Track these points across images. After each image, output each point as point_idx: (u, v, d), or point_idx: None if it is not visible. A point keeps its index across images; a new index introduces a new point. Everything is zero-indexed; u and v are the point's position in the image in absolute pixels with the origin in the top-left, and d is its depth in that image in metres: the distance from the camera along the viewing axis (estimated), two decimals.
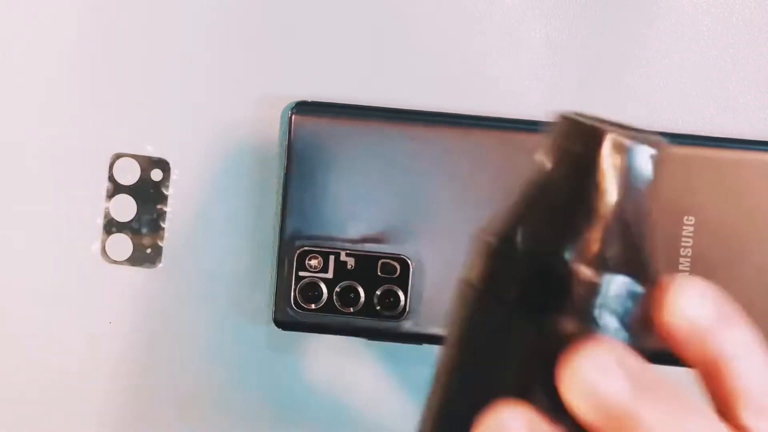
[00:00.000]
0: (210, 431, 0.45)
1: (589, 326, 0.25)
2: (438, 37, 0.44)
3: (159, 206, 0.44)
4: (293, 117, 0.43)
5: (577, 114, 0.27)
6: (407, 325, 0.43)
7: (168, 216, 0.44)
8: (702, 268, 0.43)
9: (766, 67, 0.44)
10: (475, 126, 0.43)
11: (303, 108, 0.43)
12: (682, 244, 0.43)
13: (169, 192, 0.44)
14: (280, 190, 0.43)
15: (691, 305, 0.26)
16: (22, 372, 0.45)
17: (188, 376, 0.45)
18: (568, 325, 0.25)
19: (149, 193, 0.44)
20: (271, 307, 0.43)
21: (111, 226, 0.44)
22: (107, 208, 0.44)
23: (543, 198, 0.27)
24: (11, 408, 0.45)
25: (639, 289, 0.26)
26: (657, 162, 0.26)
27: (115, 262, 0.44)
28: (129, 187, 0.44)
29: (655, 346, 0.27)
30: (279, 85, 0.44)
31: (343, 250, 0.43)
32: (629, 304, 0.26)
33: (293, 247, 0.43)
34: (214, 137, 0.44)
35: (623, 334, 0.26)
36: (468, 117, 0.43)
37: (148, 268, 0.44)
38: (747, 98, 0.44)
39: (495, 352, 0.27)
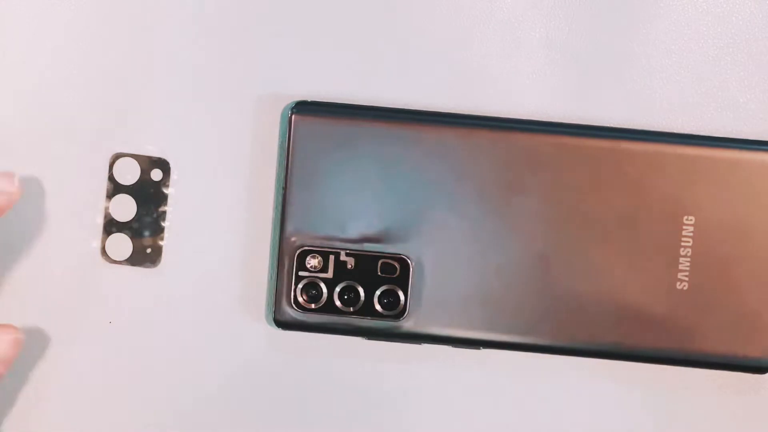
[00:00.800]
0: (210, 431, 0.45)
1: None
2: (438, 37, 0.44)
3: (159, 206, 0.44)
4: (293, 117, 0.43)
5: None
6: (407, 325, 0.43)
7: (168, 216, 0.44)
8: (702, 268, 0.43)
9: (766, 67, 0.44)
10: (474, 126, 0.43)
11: (303, 108, 0.43)
12: (682, 244, 0.43)
13: (169, 192, 0.44)
14: (280, 190, 0.43)
15: None
16: (21, 371, 0.45)
17: (188, 376, 0.45)
18: None
19: (149, 193, 0.44)
20: (271, 307, 0.44)
21: (111, 226, 0.44)
22: (107, 208, 0.44)
23: None
24: (10, 407, 0.45)
25: None
26: None
27: (115, 262, 0.44)
28: (129, 187, 0.44)
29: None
30: (279, 85, 0.44)
31: (343, 249, 0.43)
32: None
33: (293, 246, 0.43)
34: (214, 137, 0.44)
35: None
36: (468, 117, 0.43)
37: (148, 268, 0.44)
38: (747, 98, 0.44)
39: None
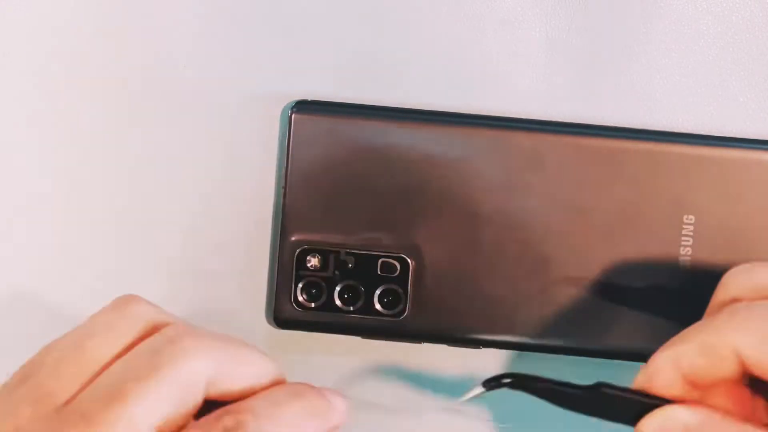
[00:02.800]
0: None
1: None
2: (437, 35, 0.44)
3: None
4: (293, 116, 0.43)
5: None
6: (407, 324, 0.43)
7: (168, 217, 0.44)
8: (702, 268, 0.43)
9: (766, 66, 0.44)
10: (475, 125, 0.43)
11: (303, 107, 0.43)
12: (682, 243, 0.43)
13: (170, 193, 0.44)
14: (280, 190, 0.43)
15: None
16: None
17: None
18: None
19: None
20: (271, 306, 0.44)
21: None
22: None
23: None
24: None
25: None
26: None
27: None
28: None
29: None
30: (279, 84, 0.44)
31: (343, 248, 0.43)
32: None
33: (293, 245, 0.43)
34: (213, 137, 0.44)
35: None
36: (468, 116, 0.43)
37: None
38: (747, 97, 0.44)
39: None
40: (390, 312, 0.43)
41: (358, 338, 0.44)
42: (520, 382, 0.34)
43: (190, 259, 0.44)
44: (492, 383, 0.35)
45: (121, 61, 0.44)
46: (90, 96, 0.44)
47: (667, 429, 0.31)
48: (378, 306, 0.43)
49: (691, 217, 0.43)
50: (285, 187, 0.43)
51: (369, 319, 0.43)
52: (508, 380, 0.35)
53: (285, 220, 0.43)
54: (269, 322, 0.44)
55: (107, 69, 0.44)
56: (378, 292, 0.43)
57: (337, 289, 0.43)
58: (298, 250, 0.43)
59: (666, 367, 0.32)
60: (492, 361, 0.44)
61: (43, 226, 0.44)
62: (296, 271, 0.43)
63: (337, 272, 0.43)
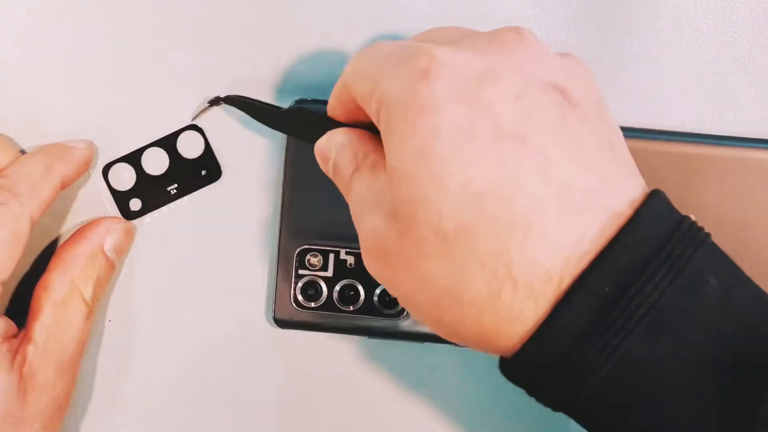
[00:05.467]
0: (210, 430, 0.45)
1: None
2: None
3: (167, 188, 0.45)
4: None
5: None
6: (407, 323, 0.43)
7: (169, 215, 0.45)
8: None
9: (766, 66, 0.44)
10: None
11: (303, 106, 0.43)
12: None
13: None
14: (281, 189, 0.43)
15: None
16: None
17: (188, 375, 0.45)
18: None
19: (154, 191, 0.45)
20: (272, 306, 0.44)
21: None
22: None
23: None
24: None
25: None
26: None
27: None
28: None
29: None
30: (279, 83, 0.44)
31: (344, 248, 0.43)
32: None
33: (293, 245, 0.43)
34: (213, 137, 0.44)
35: None
36: None
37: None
38: (747, 96, 0.44)
39: None
40: (390, 311, 0.43)
41: (358, 337, 0.44)
42: (233, 100, 0.42)
43: (191, 259, 0.45)
44: (213, 101, 0.43)
45: (123, 62, 0.44)
46: (86, 96, 0.44)
47: (328, 143, 0.37)
48: (378, 305, 0.43)
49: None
50: (285, 186, 0.43)
51: (369, 318, 0.43)
52: (224, 98, 0.43)
53: (285, 219, 0.43)
54: (269, 322, 0.44)
55: (109, 70, 0.44)
56: (378, 291, 0.43)
57: (337, 288, 0.43)
58: (298, 250, 0.43)
59: (334, 99, 0.38)
60: (492, 360, 0.44)
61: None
62: (296, 270, 0.43)
63: (337, 272, 0.43)
